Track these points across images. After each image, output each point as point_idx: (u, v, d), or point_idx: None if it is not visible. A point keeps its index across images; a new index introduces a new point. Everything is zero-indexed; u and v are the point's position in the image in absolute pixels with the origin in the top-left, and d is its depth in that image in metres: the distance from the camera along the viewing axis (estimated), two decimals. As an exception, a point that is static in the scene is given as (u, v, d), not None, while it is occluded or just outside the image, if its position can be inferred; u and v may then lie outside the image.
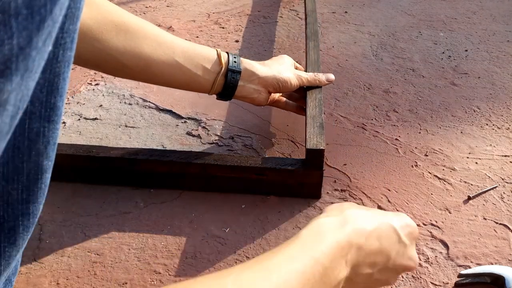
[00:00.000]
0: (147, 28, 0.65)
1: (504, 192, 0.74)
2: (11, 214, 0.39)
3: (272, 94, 0.80)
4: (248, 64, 0.74)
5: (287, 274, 0.36)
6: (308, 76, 0.80)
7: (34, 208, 0.41)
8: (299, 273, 0.36)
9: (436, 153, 0.83)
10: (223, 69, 0.70)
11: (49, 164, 0.41)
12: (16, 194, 0.39)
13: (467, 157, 0.82)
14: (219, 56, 0.70)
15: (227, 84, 0.72)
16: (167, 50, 0.66)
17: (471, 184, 0.76)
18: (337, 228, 0.42)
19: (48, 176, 0.42)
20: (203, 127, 0.90)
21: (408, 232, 0.47)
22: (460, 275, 0.60)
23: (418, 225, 0.68)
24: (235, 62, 0.72)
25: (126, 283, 0.60)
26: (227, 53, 0.72)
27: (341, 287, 0.41)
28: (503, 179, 0.77)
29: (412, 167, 0.80)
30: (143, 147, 0.83)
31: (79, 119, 0.94)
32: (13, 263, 0.43)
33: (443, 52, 1.17)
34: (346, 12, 1.41)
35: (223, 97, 0.74)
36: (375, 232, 0.44)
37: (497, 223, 0.69)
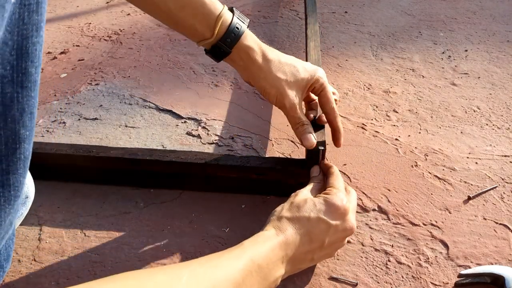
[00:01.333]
0: None
1: (504, 192, 0.74)
2: None
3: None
4: (251, 42, 0.62)
5: (231, 270, 0.45)
6: (298, 117, 0.65)
7: (14, 180, 0.42)
8: (240, 270, 0.46)
9: (436, 153, 0.83)
10: (211, 40, 0.61)
11: (26, 134, 0.42)
12: None
13: (467, 157, 0.82)
14: (215, 23, 0.60)
15: (214, 54, 0.63)
16: None
17: (471, 184, 0.76)
18: (273, 237, 0.52)
19: (27, 147, 0.42)
20: (203, 127, 0.90)
21: (337, 214, 0.55)
22: (460, 275, 0.60)
23: (417, 225, 0.68)
24: (233, 35, 0.61)
25: (126, 283, 0.60)
26: (232, 19, 0.61)
27: (279, 280, 0.51)
28: (503, 179, 0.77)
29: (412, 167, 0.80)
30: (143, 147, 0.83)
31: (79, 119, 0.94)
32: None
33: (443, 52, 1.17)
34: (346, 12, 1.41)
35: (210, 56, 0.65)
36: (304, 232, 0.53)
37: (497, 223, 0.69)
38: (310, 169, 0.66)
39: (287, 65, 0.64)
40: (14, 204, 0.44)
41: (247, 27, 0.63)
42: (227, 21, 0.61)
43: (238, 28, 0.61)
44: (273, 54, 0.65)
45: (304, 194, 0.59)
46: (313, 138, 0.64)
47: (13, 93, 0.39)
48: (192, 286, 0.41)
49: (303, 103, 0.69)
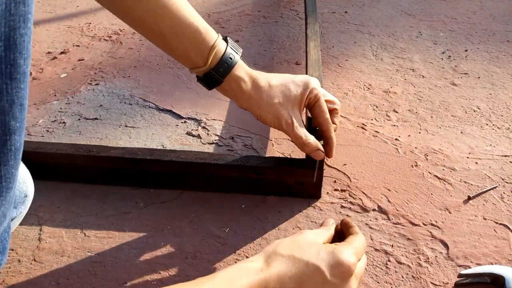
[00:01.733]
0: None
1: (504, 192, 0.74)
2: None
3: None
4: (242, 73, 0.63)
5: None
6: (299, 135, 0.65)
7: (6, 171, 0.42)
8: None
9: (436, 153, 0.83)
10: (205, 68, 0.62)
11: (17, 126, 0.42)
12: None
13: (467, 157, 0.82)
14: (209, 53, 0.60)
15: (206, 83, 0.64)
16: (156, 17, 0.58)
17: (471, 184, 0.76)
18: (254, 273, 0.44)
19: (17, 138, 0.42)
20: (203, 127, 0.90)
21: (339, 272, 0.47)
22: (460, 275, 0.60)
23: (417, 225, 0.68)
24: (226, 65, 0.61)
25: (126, 283, 0.60)
26: (225, 50, 0.62)
27: None
28: (503, 179, 0.77)
29: (412, 167, 0.80)
30: (143, 147, 0.83)
31: (79, 119, 0.94)
32: None
33: (443, 52, 1.17)
34: (346, 12, 1.41)
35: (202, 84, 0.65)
36: (295, 276, 0.46)
37: (497, 223, 0.69)
38: (325, 219, 0.60)
39: (278, 87, 0.64)
40: (7, 196, 0.43)
41: (240, 58, 0.63)
42: (221, 51, 0.61)
43: (231, 59, 0.61)
44: (263, 80, 0.64)
45: (311, 237, 0.51)
46: (321, 153, 0.66)
47: (1, 84, 0.39)
48: None
49: (303, 117, 0.68)
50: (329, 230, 0.55)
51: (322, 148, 0.66)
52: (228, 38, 0.64)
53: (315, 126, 0.69)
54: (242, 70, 0.63)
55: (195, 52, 0.60)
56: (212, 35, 0.60)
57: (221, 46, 0.61)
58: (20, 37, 0.39)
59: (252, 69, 0.65)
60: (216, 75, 0.62)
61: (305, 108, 0.68)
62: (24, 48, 0.40)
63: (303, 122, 0.67)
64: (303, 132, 0.65)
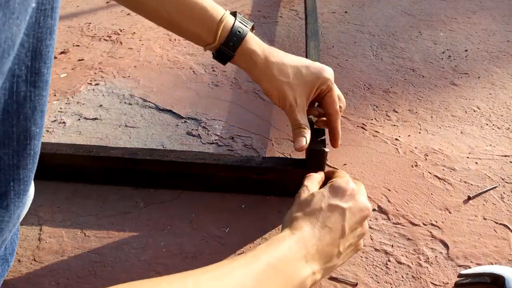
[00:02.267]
0: None
1: (504, 192, 0.74)
2: (3, 179, 0.41)
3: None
4: (253, 44, 0.63)
5: (240, 277, 0.42)
6: (297, 119, 0.65)
7: (24, 174, 0.44)
8: (253, 276, 0.42)
9: (436, 153, 0.83)
10: (215, 44, 0.63)
11: (37, 131, 0.43)
12: (7, 159, 0.42)
13: (467, 157, 0.82)
14: (217, 28, 0.61)
15: (218, 58, 0.65)
16: (164, 1, 0.61)
17: (471, 184, 0.76)
18: (287, 236, 0.49)
19: (37, 143, 0.44)
20: (203, 127, 0.90)
21: (347, 196, 0.53)
22: (460, 275, 0.60)
23: (417, 225, 0.68)
24: (235, 39, 0.62)
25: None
26: (234, 23, 0.62)
27: (312, 282, 0.47)
28: (503, 179, 0.77)
29: (412, 167, 0.80)
30: (143, 147, 0.83)
31: (79, 119, 0.94)
32: (6, 232, 0.45)
33: (443, 52, 1.17)
34: (346, 12, 1.41)
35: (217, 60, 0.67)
36: (320, 223, 0.51)
37: (497, 223, 0.69)
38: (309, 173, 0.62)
39: (291, 67, 0.64)
40: (23, 198, 0.45)
41: (251, 30, 0.64)
42: (229, 25, 0.62)
43: (239, 32, 0.62)
44: (277, 56, 0.64)
45: (308, 191, 0.56)
46: (304, 141, 0.63)
47: (26, 92, 0.41)
48: None
49: (306, 105, 0.67)
50: (317, 175, 0.61)
51: (307, 140, 0.64)
52: (238, 12, 0.64)
53: (321, 116, 0.69)
54: (255, 42, 0.63)
55: (204, 29, 0.61)
56: (218, 11, 0.61)
57: (229, 20, 0.62)
58: (45, 47, 0.40)
59: (265, 44, 0.65)
60: (226, 49, 0.63)
61: (313, 97, 0.67)
62: (48, 58, 0.42)
63: (306, 108, 0.66)
64: (302, 119, 0.64)
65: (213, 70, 1.11)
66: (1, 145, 0.40)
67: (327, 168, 0.78)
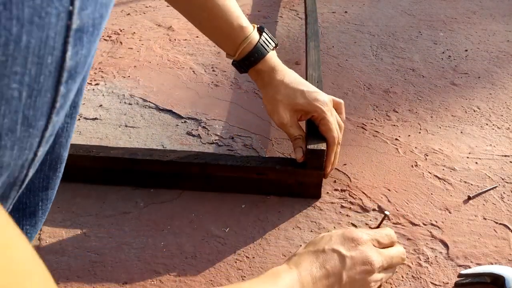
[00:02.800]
0: None
1: (504, 192, 0.74)
2: (33, 200, 0.44)
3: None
4: (267, 64, 0.70)
5: None
6: (290, 133, 0.71)
7: (51, 194, 0.47)
8: None
9: (436, 153, 0.83)
10: (235, 57, 0.70)
11: (65, 155, 0.47)
12: (38, 183, 0.44)
13: (467, 157, 0.82)
14: (239, 46, 0.68)
15: (237, 68, 0.72)
16: (199, 10, 0.67)
17: (471, 184, 0.76)
18: (283, 272, 0.49)
19: (63, 165, 0.47)
20: (203, 127, 0.90)
21: (351, 246, 0.52)
22: (460, 275, 0.60)
23: (417, 225, 0.68)
24: (255, 58, 0.69)
25: (126, 283, 0.60)
26: (256, 44, 0.68)
27: None
28: (503, 179, 0.77)
29: (412, 167, 0.80)
30: (143, 147, 0.83)
31: (79, 119, 0.94)
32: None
33: (443, 52, 1.17)
34: (346, 12, 1.41)
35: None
36: (319, 264, 0.51)
37: (497, 223, 0.69)
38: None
39: (288, 88, 0.70)
40: (45, 215, 0.48)
41: (274, 48, 0.71)
42: (251, 46, 0.68)
43: (257, 54, 0.69)
44: (280, 75, 0.71)
45: (323, 235, 0.56)
46: (300, 152, 0.69)
47: (64, 123, 0.43)
48: None
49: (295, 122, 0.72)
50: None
51: (304, 150, 0.69)
52: (265, 31, 0.71)
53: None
54: (266, 63, 0.70)
55: (228, 44, 0.69)
56: (244, 31, 0.68)
57: (252, 41, 0.68)
58: (84, 83, 0.42)
59: (278, 61, 0.72)
60: (243, 66, 0.71)
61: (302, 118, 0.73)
62: (83, 91, 0.44)
63: (298, 124, 0.72)
64: (295, 131, 0.70)
65: (213, 70, 1.11)
66: (35, 171, 0.41)
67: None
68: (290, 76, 0.71)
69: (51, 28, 0.27)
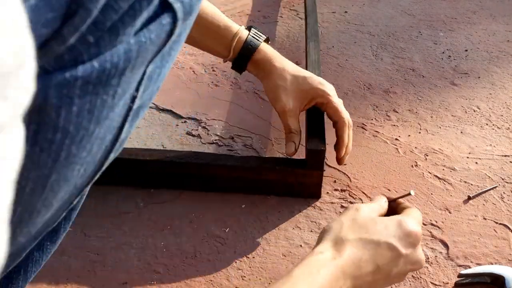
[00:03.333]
0: None
1: (504, 192, 0.74)
2: (57, 219, 0.43)
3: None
4: (262, 54, 0.70)
5: None
6: (287, 123, 0.70)
7: (73, 214, 0.48)
8: None
9: (436, 153, 0.83)
10: (231, 56, 0.71)
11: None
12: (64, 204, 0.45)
13: (467, 157, 0.82)
14: (231, 43, 0.69)
15: (236, 68, 0.72)
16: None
17: (471, 184, 0.76)
18: (329, 261, 0.44)
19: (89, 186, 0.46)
20: (203, 127, 0.90)
21: (409, 242, 0.47)
22: (460, 275, 0.60)
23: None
24: (249, 49, 0.69)
25: (126, 283, 0.60)
26: (247, 37, 0.70)
27: None
28: (503, 179, 0.77)
29: (412, 167, 0.80)
30: (143, 147, 0.83)
31: (79, 119, 0.94)
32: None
33: (443, 52, 1.17)
34: (346, 12, 1.41)
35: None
36: (370, 258, 0.45)
37: (497, 223, 0.69)
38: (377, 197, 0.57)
39: (290, 75, 0.69)
40: (63, 235, 0.49)
41: (266, 42, 0.71)
42: (241, 41, 0.69)
43: (251, 46, 0.69)
44: (279, 63, 0.70)
45: (368, 213, 0.50)
46: (293, 147, 0.68)
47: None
48: None
49: (298, 112, 0.71)
50: (382, 204, 0.54)
51: (297, 145, 0.69)
52: (253, 27, 0.71)
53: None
54: (263, 53, 0.70)
55: (221, 46, 0.70)
56: (232, 29, 0.69)
57: (241, 36, 0.69)
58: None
59: (275, 51, 0.72)
60: (240, 61, 0.71)
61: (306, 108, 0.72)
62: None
63: (298, 117, 0.70)
64: (293, 124, 0.69)
65: (213, 70, 1.11)
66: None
67: (325, 166, 0.78)
68: (291, 65, 0.71)
69: (117, 115, 0.31)
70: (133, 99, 0.31)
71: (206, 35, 0.69)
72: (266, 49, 0.71)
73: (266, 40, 0.72)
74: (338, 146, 0.69)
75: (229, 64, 0.75)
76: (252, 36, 0.70)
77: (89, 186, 0.36)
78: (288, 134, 0.69)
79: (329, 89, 0.69)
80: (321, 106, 0.69)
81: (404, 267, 0.48)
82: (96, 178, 0.36)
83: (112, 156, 0.35)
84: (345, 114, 0.69)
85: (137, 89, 0.31)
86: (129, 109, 0.32)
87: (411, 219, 0.49)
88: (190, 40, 0.69)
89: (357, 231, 0.47)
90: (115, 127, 0.32)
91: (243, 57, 0.70)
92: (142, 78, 0.31)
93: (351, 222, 0.48)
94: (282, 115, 0.70)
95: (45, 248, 0.46)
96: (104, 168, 0.35)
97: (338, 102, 0.69)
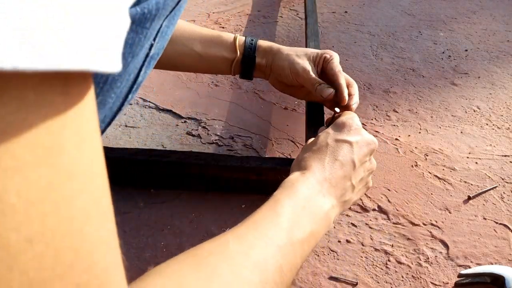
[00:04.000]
0: None
1: (504, 192, 0.74)
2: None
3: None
4: (265, 43, 0.74)
5: (273, 227, 0.44)
6: (313, 78, 0.70)
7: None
8: (284, 228, 0.44)
9: (436, 153, 0.83)
10: (238, 55, 0.73)
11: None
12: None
13: (467, 157, 0.82)
14: (234, 43, 0.72)
15: (245, 69, 0.74)
16: (187, 42, 0.71)
17: (471, 184, 0.76)
18: (299, 177, 0.50)
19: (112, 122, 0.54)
20: (203, 127, 0.90)
21: (352, 131, 0.54)
22: (460, 275, 0.60)
23: (417, 225, 0.68)
24: (251, 44, 0.73)
25: (126, 283, 0.60)
26: (245, 37, 0.73)
27: (334, 215, 0.49)
28: (503, 179, 0.77)
29: (412, 167, 0.80)
30: (143, 147, 0.83)
31: (79, 119, 0.94)
32: None
33: (443, 52, 1.17)
34: (346, 12, 1.41)
35: (244, 77, 0.76)
36: (329, 158, 0.52)
37: (497, 223, 0.69)
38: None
39: (297, 48, 0.73)
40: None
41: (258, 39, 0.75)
42: (242, 40, 0.73)
43: (252, 40, 0.73)
44: (284, 46, 0.74)
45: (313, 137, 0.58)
46: (331, 90, 0.67)
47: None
48: (240, 247, 0.41)
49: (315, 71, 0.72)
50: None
51: (332, 89, 0.67)
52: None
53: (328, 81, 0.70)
54: (265, 43, 0.74)
55: (226, 50, 0.72)
56: (230, 35, 0.73)
57: (240, 37, 0.73)
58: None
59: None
60: (248, 55, 0.73)
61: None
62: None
63: (317, 74, 0.71)
64: (316, 78, 0.69)
65: (213, 70, 1.11)
66: None
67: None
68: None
69: (141, 56, 0.38)
70: (151, 46, 0.38)
71: (211, 45, 0.72)
72: (265, 41, 0.75)
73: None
74: (340, 93, 0.66)
75: None
76: (249, 36, 0.74)
77: (112, 122, 0.41)
78: (319, 85, 0.68)
79: (333, 52, 0.72)
80: (325, 65, 0.70)
81: (362, 150, 0.53)
82: (116, 117, 0.41)
83: (130, 97, 0.40)
84: (339, 69, 0.69)
85: (154, 39, 0.38)
86: (147, 55, 0.38)
87: (344, 117, 0.56)
88: (198, 57, 0.72)
89: (308, 148, 0.54)
90: (137, 68, 0.38)
91: (250, 51, 0.73)
92: (159, 30, 0.38)
93: (303, 149, 0.55)
94: (304, 73, 0.69)
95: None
96: (123, 108, 0.40)
97: (337, 61, 0.71)
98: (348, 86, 0.67)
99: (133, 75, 0.38)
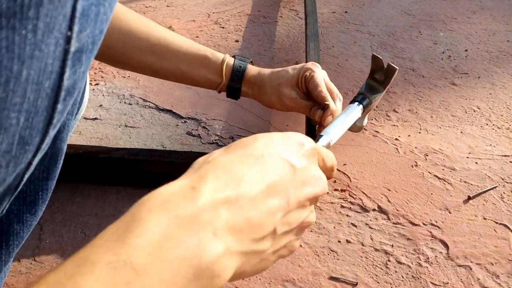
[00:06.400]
0: (152, 35, 0.67)
1: (504, 192, 0.74)
2: (33, 189, 0.47)
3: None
4: (253, 70, 0.72)
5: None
6: (304, 104, 0.68)
7: (51, 184, 0.49)
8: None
9: (436, 153, 0.83)
10: (223, 81, 0.71)
11: (65, 147, 0.49)
12: (38, 173, 0.47)
13: (467, 157, 0.82)
14: (221, 67, 0.70)
15: (230, 94, 0.72)
16: (172, 59, 0.69)
17: (471, 184, 0.76)
18: (186, 191, 0.31)
19: (63, 156, 0.50)
20: (203, 127, 0.90)
21: (303, 152, 0.36)
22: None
23: (417, 225, 0.68)
24: (238, 72, 0.70)
25: (126, 283, 0.60)
26: (234, 60, 0.71)
27: (228, 268, 0.28)
28: (503, 179, 0.77)
29: (412, 167, 0.80)
30: (143, 147, 0.83)
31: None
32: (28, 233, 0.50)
33: (443, 52, 1.17)
34: (346, 12, 1.41)
35: (231, 97, 0.74)
36: (253, 172, 0.31)
37: (497, 223, 0.69)
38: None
39: (277, 73, 0.71)
40: (46, 203, 0.50)
41: (249, 63, 0.73)
42: (230, 65, 0.70)
43: (240, 67, 0.71)
44: (267, 70, 0.72)
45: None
46: (320, 111, 0.65)
47: (66, 120, 0.46)
48: None
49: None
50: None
51: (333, 106, 0.65)
52: (237, 54, 0.73)
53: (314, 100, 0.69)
54: (252, 71, 0.71)
55: (212, 73, 0.70)
56: (218, 55, 0.70)
57: (229, 61, 0.70)
58: (85, 85, 0.46)
59: (260, 68, 0.73)
60: (234, 84, 0.71)
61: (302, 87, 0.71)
62: (86, 91, 0.48)
63: (305, 98, 0.69)
64: (306, 101, 0.68)
65: (213, 70, 1.11)
66: (37, 164, 0.42)
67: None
68: (274, 69, 0.73)
69: (49, 56, 0.27)
70: (68, 39, 0.28)
71: (197, 66, 0.70)
72: (253, 68, 0.72)
73: (251, 63, 0.73)
74: (324, 111, 0.65)
75: None
76: (239, 60, 0.72)
77: (45, 144, 0.32)
78: (310, 109, 0.67)
79: (312, 65, 0.70)
80: (306, 82, 0.68)
81: (302, 189, 0.34)
82: (50, 134, 0.31)
83: (60, 107, 0.30)
84: (331, 85, 0.68)
85: (70, 28, 0.27)
86: (66, 52, 0.28)
87: (299, 134, 0.38)
88: (183, 76, 0.70)
89: (231, 151, 0.34)
90: (51, 72, 0.28)
91: (236, 80, 0.71)
92: (73, 15, 0.27)
93: (225, 148, 0.35)
94: (294, 103, 0.68)
95: (25, 221, 0.48)
96: (55, 121, 0.31)
97: (319, 76, 0.68)
98: (333, 99, 0.67)
99: (48, 82, 0.28)
